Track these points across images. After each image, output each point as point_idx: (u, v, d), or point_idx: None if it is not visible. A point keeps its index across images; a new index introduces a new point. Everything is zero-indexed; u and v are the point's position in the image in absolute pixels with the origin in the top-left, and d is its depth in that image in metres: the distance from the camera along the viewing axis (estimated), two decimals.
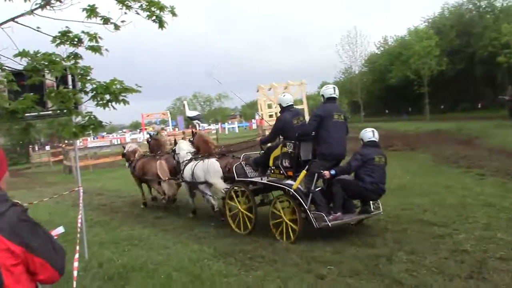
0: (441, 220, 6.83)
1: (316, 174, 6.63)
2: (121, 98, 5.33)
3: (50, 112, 5.95)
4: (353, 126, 35.64)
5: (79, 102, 5.53)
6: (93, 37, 5.58)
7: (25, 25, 4.81)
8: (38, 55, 5.02)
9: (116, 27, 5.77)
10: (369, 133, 7.01)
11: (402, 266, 5.08)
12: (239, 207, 7.42)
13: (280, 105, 7.73)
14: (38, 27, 4.94)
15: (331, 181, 6.78)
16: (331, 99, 7.26)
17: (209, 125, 68.53)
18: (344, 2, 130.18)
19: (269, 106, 29.60)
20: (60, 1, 4.93)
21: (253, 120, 58.11)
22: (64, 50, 5.18)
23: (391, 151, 16.54)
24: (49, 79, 5.60)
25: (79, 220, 6.09)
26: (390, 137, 23.09)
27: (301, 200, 6.48)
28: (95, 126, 5.33)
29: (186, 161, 8.89)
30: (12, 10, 4.87)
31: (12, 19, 4.78)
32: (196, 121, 41.87)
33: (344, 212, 6.66)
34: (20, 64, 5.07)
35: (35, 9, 4.85)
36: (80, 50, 5.51)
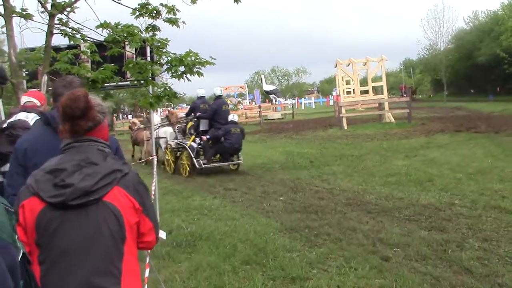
0: None
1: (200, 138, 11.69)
2: (195, 70, 5.46)
3: (128, 82, 6.19)
4: (435, 105, 34.64)
5: (155, 74, 5.71)
6: (170, 9, 5.71)
7: None
8: (119, 27, 5.24)
9: (193, 0, 5.90)
10: (231, 117, 11.91)
11: (473, 254, 4.88)
12: (169, 158, 12.63)
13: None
14: None
15: (209, 141, 11.60)
16: (219, 96, 12.39)
17: (286, 99, 68.45)
18: None
19: (347, 82, 29.06)
20: None
21: (330, 96, 57.37)
22: (143, 22, 5.37)
23: (473, 133, 15.82)
24: (129, 51, 5.80)
25: (153, 188, 6.34)
26: (473, 119, 22.06)
27: (190, 152, 11.51)
28: (169, 96, 5.49)
29: (157, 127, 13.34)
30: None
31: None
32: (273, 95, 42.18)
33: (221, 161, 11.87)
34: (101, 35, 5.31)
35: None
36: (158, 22, 5.69)
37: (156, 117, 14.42)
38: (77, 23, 5.28)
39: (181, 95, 6.14)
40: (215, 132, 11.47)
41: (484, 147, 12.38)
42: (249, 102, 53.14)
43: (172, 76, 5.58)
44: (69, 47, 6.00)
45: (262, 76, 46.05)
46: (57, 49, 5.57)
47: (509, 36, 32.99)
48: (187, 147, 11.68)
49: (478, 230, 5.66)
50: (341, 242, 5.50)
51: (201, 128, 11.88)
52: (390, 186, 8.55)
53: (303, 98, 69.30)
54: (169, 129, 13.48)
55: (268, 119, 34.33)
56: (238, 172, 11.34)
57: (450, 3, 79.58)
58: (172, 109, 14.90)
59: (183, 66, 5.32)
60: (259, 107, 31.78)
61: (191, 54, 5.36)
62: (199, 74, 5.56)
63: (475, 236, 5.44)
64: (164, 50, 5.46)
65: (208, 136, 11.54)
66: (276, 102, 44.38)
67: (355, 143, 15.45)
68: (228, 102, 40.47)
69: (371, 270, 4.61)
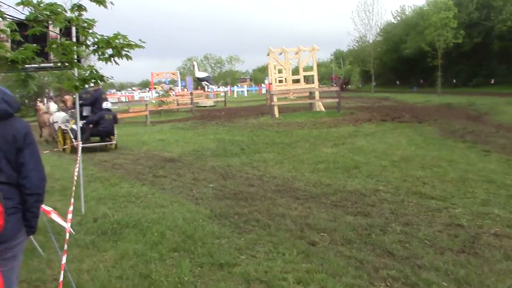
0: (439, 194, 6.80)
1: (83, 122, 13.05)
2: (124, 53, 5.28)
3: (51, 64, 5.90)
4: (363, 96, 35.91)
5: (81, 56, 5.48)
6: None
7: None
8: (41, 5, 4.96)
9: None
10: (105, 104, 14.01)
11: (395, 237, 5.09)
12: (60, 138, 14.50)
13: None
14: None
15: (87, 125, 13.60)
16: (99, 89, 14.32)
17: (218, 87, 68.17)
18: None
19: (280, 71, 29.33)
20: None
21: (262, 85, 57.84)
22: (68, 0, 5.11)
23: (398, 122, 16.51)
24: (52, 31, 5.52)
25: (75, 174, 6.11)
26: (399, 109, 23.04)
27: (70, 133, 13.56)
28: (96, 80, 5.27)
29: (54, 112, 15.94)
30: None
31: None
32: (205, 82, 41.90)
33: (99, 142, 13.86)
34: (22, 13, 5.00)
35: None
36: (84, 2, 5.44)
37: (53, 105, 16.89)
38: None
39: (109, 79, 5.94)
40: (91, 118, 13.82)
41: (408, 136, 12.94)
42: (181, 89, 52.54)
43: (99, 59, 5.37)
44: None
45: (195, 63, 45.57)
46: None
47: (433, 31, 34.49)
48: (68, 129, 13.90)
49: (400, 215, 5.91)
50: (270, 228, 5.56)
51: (84, 113, 13.81)
52: (319, 173, 8.74)
53: (235, 86, 69.34)
54: (62, 114, 15.31)
55: (200, 106, 34.06)
56: (168, 159, 11.16)
57: None
58: (68, 96, 15.16)
59: (111, 49, 5.14)
60: (191, 94, 31.41)
61: (119, 36, 5.18)
62: (128, 57, 5.37)
63: (398, 221, 5.68)
64: (90, 31, 5.24)
65: (85, 121, 13.50)
66: (209, 90, 44.13)
67: (286, 131, 15.65)
68: (160, 88, 39.77)
69: (298, 255, 4.69)
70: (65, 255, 3.44)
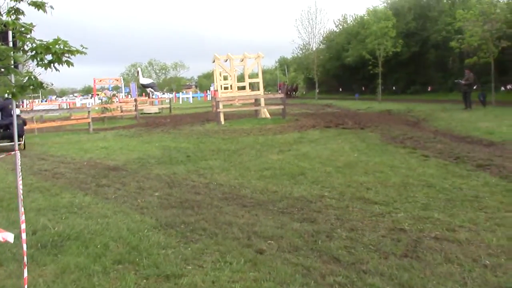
0: (382, 199, 6.96)
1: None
2: (64, 59, 5.09)
3: None
4: (307, 102, 36.61)
5: (18, 61, 5.22)
6: None
7: None
8: None
9: None
10: (17, 111, 14.31)
11: (341, 243, 5.15)
12: None
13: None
14: None
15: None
16: (8, 98, 13.38)
17: (163, 94, 67.30)
18: None
19: (225, 78, 29.35)
20: None
21: (208, 91, 57.65)
22: (4, 3, 4.88)
23: (341, 129, 16.88)
24: None
25: (18, 185, 5.83)
26: (342, 116, 23.57)
27: None
28: (35, 86, 5.05)
29: None
30: None
31: None
32: (150, 89, 41.24)
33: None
34: None
35: None
36: (22, 5, 5.21)
37: None
38: None
39: (49, 85, 5.72)
40: (1, 122, 15.61)
41: (351, 142, 13.22)
42: (125, 96, 51.47)
43: (38, 65, 5.16)
44: None
45: (139, 69, 44.71)
46: None
47: (373, 39, 35.51)
48: None
49: (345, 220, 5.99)
50: (217, 237, 5.50)
51: None
52: (265, 179, 8.75)
53: (181, 93, 68.80)
54: None
55: (145, 113, 33.52)
56: (112, 167, 10.87)
57: (322, 5, 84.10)
58: (153, 97, 14.34)
59: (50, 55, 4.94)
60: (135, 100, 30.85)
61: (59, 42, 4.99)
62: (69, 63, 5.19)
63: (343, 226, 5.75)
64: (28, 36, 5.03)
65: None
66: (153, 96, 43.52)
67: (232, 138, 15.63)
68: (103, 95, 38.84)
69: (245, 264, 4.65)
70: (25, 268, 3.25)
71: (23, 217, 4.32)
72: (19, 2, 5.26)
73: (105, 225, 6.14)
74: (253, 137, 15.59)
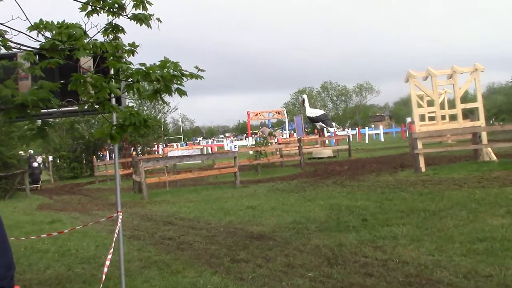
0: None
1: None
2: (175, 87, 5.39)
3: (75, 107, 6.15)
4: None
5: (115, 93, 5.60)
6: (139, 1, 5.70)
7: None
8: (62, 27, 5.21)
9: None
10: (34, 164, 33.77)
11: None
12: None
13: None
14: None
15: None
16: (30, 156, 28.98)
17: (344, 129, 68.15)
18: None
19: (430, 103, 28.66)
20: None
21: (405, 125, 56.96)
22: (87, 21, 5.34)
23: None
24: (69, 62, 5.72)
25: (107, 258, 6.26)
26: None
27: None
28: (137, 126, 5.37)
29: None
30: None
31: None
32: (320, 123, 41.91)
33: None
34: (36, 40, 5.27)
35: None
36: (121, 21, 5.68)
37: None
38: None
39: (155, 124, 6.10)
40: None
41: None
42: (289, 134, 53.10)
43: (140, 97, 5.54)
44: (1, 58, 6.06)
45: (304, 97, 45.87)
46: None
47: None
48: None
49: None
50: None
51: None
52: (476, 256, 8.27)
53: (367, 127, 69.07)
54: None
55: (314, 158, 34.23)
56: (256, 235, 11.20)
57: None
58: (328, 134, 15.25)
59: (151, 82, 5.26)
60: (299, 140, 31.55)
61: (168, 64, 5.30)
62: (181, 92, 5.49)
63: None
64: (123, 60, 5.42)
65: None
66: (329, 133, 44.17)
67: (434, 193, 15.15)
68: (259, 134, 40.55)
69: None
70: None
71: None
72: (118, 17, 5.75)
73: None
74: (466, 191, 14.95)
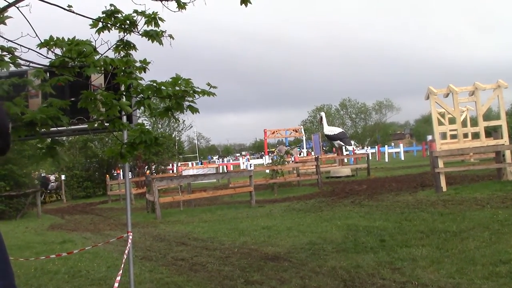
0: None
1: None
2: (186, 104, 5.41)
3: (84, 125, 6.20)
4: None
5: (125, 111, 5.62)
6: (151, 18, 5.75)
7: (51, 3, 5.01)
8: (72, 44, 5.25)
9: (181, 5, 5.85)
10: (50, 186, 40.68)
11: None
12: None
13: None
14: (69, 6, 5.14)
15: None
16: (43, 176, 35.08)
17: (363, 147, 67.90)
18: None
19: (452, 121, 28.53)
20: None
21: (426, 143, 56.73)
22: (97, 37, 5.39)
23: None
24: (79, 79, 5.76)
25: (116, 280, 6.28)
26: None
27: None
28: (147, 143, 5.40)
29: None
30: None
31: None
32: (338, 141, 41.91)
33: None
34: (46, 57, 5.31)
35: None
36: (133, 38, 5.72)
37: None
38: (10, 40, 5.30)
39: (165, 141, 6.11)
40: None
41: None
42: (307, 152, 53.04)
43: (151, 115, 5.56)
44: (12, 75, 6.11)
45: (322, 114, 45.82)
46: None
47: None
48: None
49: None
50: None
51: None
52: (498, 279, 8.18)
53: (387, 146, 68.84)
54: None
55: (332, 177, 34.14)
56: (271, 257, 11.17)
57: None
58: (347, 153, 15.17)
59: (162, 99, 5.28)
60: (316, 159, 31.51)
61: (180, 81, 5.32)
62: (193, 110, 5.52)
63: None
64: (133, 76, 5.46)
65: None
66: (347, 152, 44.11)
67: (455, 213, 15.03)
68: (276, 152, 40.62)
69: None
70: None
71: None
72: (129, 34, 5.79)
73: None
74: (489, 212, 14.81)
